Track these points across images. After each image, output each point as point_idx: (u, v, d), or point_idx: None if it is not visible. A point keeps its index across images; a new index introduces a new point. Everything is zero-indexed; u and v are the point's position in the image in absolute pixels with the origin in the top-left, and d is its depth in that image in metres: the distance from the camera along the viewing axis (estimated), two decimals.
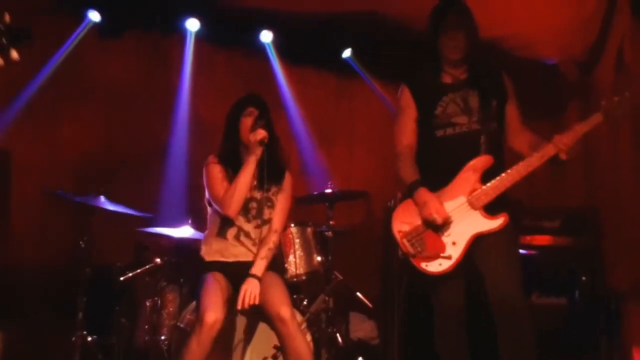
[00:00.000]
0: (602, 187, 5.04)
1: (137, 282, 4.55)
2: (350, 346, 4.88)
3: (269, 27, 5.81)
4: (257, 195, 3.55)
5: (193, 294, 3.76)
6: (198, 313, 3.20)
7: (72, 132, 5.36)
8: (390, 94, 5.80)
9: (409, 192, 3.21)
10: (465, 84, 3.29)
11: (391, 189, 3.90)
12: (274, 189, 3.60)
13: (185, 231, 4.51)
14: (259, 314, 3.38)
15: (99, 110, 5.49)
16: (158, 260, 4.45)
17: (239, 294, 3.31)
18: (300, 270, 4.34)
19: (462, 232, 3.10)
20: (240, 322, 3.52)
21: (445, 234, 3.12)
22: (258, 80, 5.79)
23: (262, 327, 3.51)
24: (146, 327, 4.45)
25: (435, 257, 3.11)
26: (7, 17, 2.23)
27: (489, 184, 3.12)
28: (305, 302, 4.32)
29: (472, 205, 3.11)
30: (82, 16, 5.38)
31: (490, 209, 3.11)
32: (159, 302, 4.40)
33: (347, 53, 6.06)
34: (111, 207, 4.44)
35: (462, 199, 3.13)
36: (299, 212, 4.34)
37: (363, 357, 4.63)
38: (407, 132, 3.33)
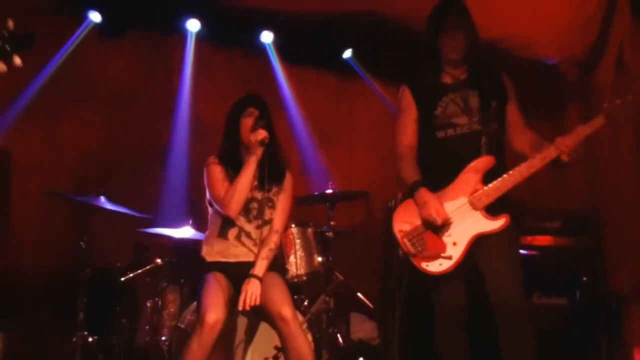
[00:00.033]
0: (604, 189, 5.04)
1: (137, 283, 4.55)
2: (351, 347, 4.88)
3: (269, 28, 5.81)
4: (258, 195, 3.55)
5: (194, 294, 3.76)
6: (199, 313, 3.20)
7: (72, 132, 5.36)
8: (391, 94, 5.81)
9: (409, 192, 3.21)
10: (465, 84, 3.29)
11: (391, 189, 3.90)
12: (274, 189, 3.60)
13: (185, 232, 4.51)
14: (259, 314, 3.38)
15: (100, 111, 5.49)
16: (159, 260, 4.45)
17: (240, 294, 3.31)
18: (301, 271, 4.34)
19: (463, 232, 3.11)
20: (241, 322, 3.51)
21: (446, 234, 3.13)
22: (258, 80, 5.79)
23: (263, 328, 3.51)
24: (147, 327, 4.45)
25: (435, 257, 3.11)
26: (10, 24, 2.25)
27: (490, 185, 3.12)
28: (306, 303, 4.32)
29: (474, 205, 3.11)
30: (83, 17, 5.38)
31: (491, 210, 3.11)
32: (160, 302, 4.40)
33: (347, 53, 6.06)
34: (111, 207, 4.44)
35: (463, 200, 3.13)
36: (299, 213, 4.34)
37: (364, 358, 4.64)
38: (407, 132, 3.33)
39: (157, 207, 5.24)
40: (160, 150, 5.56)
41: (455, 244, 3.11)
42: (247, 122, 3.54)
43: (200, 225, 4.38)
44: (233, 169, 3.52)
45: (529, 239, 4.55)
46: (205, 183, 3.57)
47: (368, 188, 5.11)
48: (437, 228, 3.13)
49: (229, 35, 5.84)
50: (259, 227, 3.51)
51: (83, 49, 5.38)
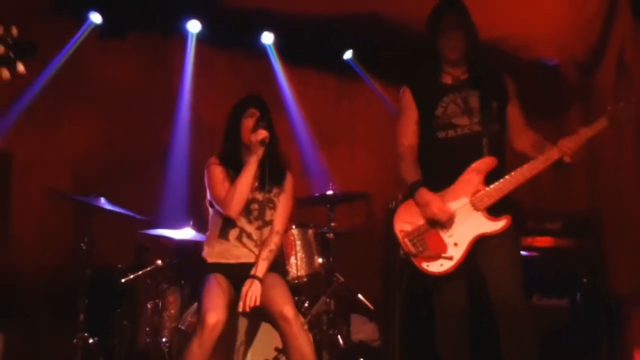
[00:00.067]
0: (605, 190, 5.03)
1: (138, 284, 4.55)
2: (352, 348, 4.88)
3: (269, 29, 5.82)
4: (259, 196, 3.54)
5: (194, 295, 3.76)
6: (200, 315, 3.19)
7: (73, 133, 5.36)
8: (391, 95, 5.81)
9: (410, 193, 3.21)
10: (466, 84, 3.29)
11: (392, 190, 3.90)
12: (275, 190, 3.60)
13: (186, 233, 4.51)
14: (260, 314, 3.37)
15: (100, 112, 5.48)
16: (159, 262, 4.45)
17: (240, 295, 3.31)
18: (302, 272, 4.34)
19: (464, 233, 3.11)
20: (242, 324, 3.51)
21: (447, 234, 3.13)
22: (259, 81, 5.79)
23: (264, 329, 3.51)
24: (147, 329, 4.45)
25: (436, 257, 3.11)
26: (14, 31, 2.27)
27: (492, 186, 3.12)
28: (306, 304, 4.32)
29: (475, 206, 3.12)
30: (83, 18, 5.38)
31: (493, 211, 3.11)
32: (160, 304, 4.40)
33: (348, 54, 6.06)
34: (111, 208, 4.44)
35: (464, 200, 3.13)
36: (300, 214, 4.33)
37: (364, 359, 4.63)
38: (408, 133, 3.33)
39: (157, 208, 5.24)
40: (161, 151, 5.57)
41: (457, 245, 3.11)
42: (248, 122, 3.53)
43: (200, 227, 4.39)
44: (234, 169, 3.52)
45: (529, 240, 4.55)
46: (206, 184, 3.57)
47: (368, 189, 5.11)
48: (440, 226, 3.13)
49: (230, 36, 5.84)
50: (259, 228, 3.51)
51: (84, 50, 5.38)
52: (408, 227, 3.18)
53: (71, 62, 5.30)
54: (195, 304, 3.58)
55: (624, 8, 4.76)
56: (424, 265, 3.13)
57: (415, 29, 3.81)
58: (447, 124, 3.23)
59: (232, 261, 3.48)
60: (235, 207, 3.42)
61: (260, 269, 3.37)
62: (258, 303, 3.28)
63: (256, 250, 3.47)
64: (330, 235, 4.60)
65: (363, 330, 5.22)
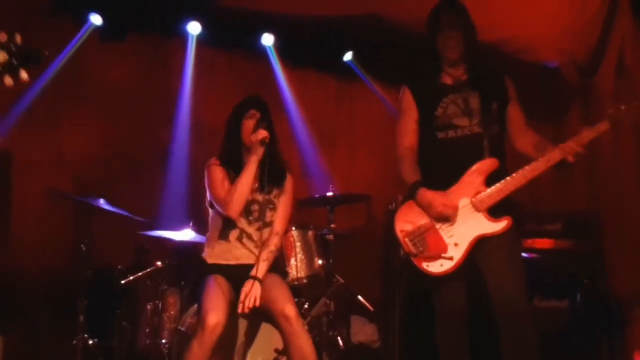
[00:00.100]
0: (605, 190, 5.04)
1: (138, 285, 4.55)
2: (352, 350, 4.88)
3: (270, 30, 5.82)
4: (259, 197, 3.54)
5: (194, 297, 3.76)
6: (200, 316, 3.19)
7: (73, 134, 5.36)
8: (391, 97, 5.81)
9: (410, 193, 3.20)
10: (466, 85, 3.29)
11: (392, 191, 3.89)
12: (275, 192, 3.60)
13: (186, 234, 4.51)
14: (261, 315, 3.37)
15: (101, 113, 5.49)
16: (159, 263, 4.45)
17: (240, 297, 3.31)
18: (302, 274, 4.33)
19: (465, 233, 3.10)
20: (242, 325, 3.51)
21: (448, 235, 3.12)
22: (259, 83, 5.79)
23: (264, 331, 3.50)
24: (147, 330, 4.45)
25: (437, 257, 3.11)
26: (18, 39, 2.28)
27: (493, 187, 3.11)
28: (306, 306, 4.32)
29: (476, 207, 3.11)
30: (84, 20, 5.38)
31: (494, 212, 3.11)
32: (160, 305, 4.40)
33: (348, 56, 6.06)
34: (112, 209, 4.44)
35: (466, 201, 3.13)
36: (300, 216, 4.34)
37: None
38: (408, 133, 3.33)
39: (157, 210, 5.24)
40: (161, 153, 5.57)
41: (457, 245, 3.11)
42: (249, 124, 3.53)
43: (200, 228, 4.38)
44: (234, 170, 3.52)
45: (529, 242, 4.55)
46: (207, 184, 3.57)
47: (369, 191, 5.11)
48: (446, 222, 3.12)
49: (230, 38, 5.85)
50: (260, 230, 3.50)
51: (84, 52, 5.39)
52: (409, 227, 3.17)
53: (71, 63, 5.31)
54: (196, 306, 3.58)
55: (625, 9, 4.77)
56: (425, 265, 3.12)
57: (415, 30, 3.82)
58: (447, 124, 3.23)
59: (232, 262, 3.48)
60: (235, 208, 3.42)
61: (261, 270, 3.37)
62: (258, 304, 3.28)
63: (256, 252, 3.46)
64: (331, 237, 4.60)
65: (363, 331, 5.22)
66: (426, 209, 3.14)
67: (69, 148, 5.35)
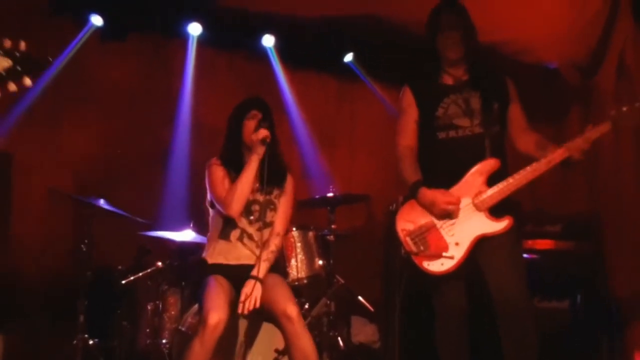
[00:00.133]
0: (605, 191, 5.03)
1: (138, 286, 4.56)
2: (352, 350, 4.88)
3: (270, 31, 5.82)
4: (260, 197, 3.55)
5: (194, 297, 3.76)
6: (201, 315, 3.19)
7: (73, 134, 5.36)
8: (392, 97, 5.81)
9: (411, 193, 3.21)
10: (467, 85, 3.29)
11: (392, 192, 3.89)
12: (276, 192, 3.60)
13: (186, 235, 4.51)
14: (261, 314, 3.37)
15: (101, 114, 5.49)
16: (159, 263, 4.45)
17: (240, 297, 3.31)
18: (302, 274, 4.34)
19: (466, 233, 3.11)
20: (242, 325, 3.51)
21: (449, 234, 3.13)
22: (260, 83, 5.80)
23: (264, 331, 3.51)
24: (147, 330, 4.45)
25: (437, 256, 3.11)
26: (22, 45, 2.28)
27: (494, 187, 3.12)
28: (306, 306, 4.33)
29: (477, 207, 3.12)
30: (84, 20, 5.38)
31: (495, 212, 3.12)
32: (161, 305, 4.40)
33: (348, 57, 6.06)
34: (112, 210, 4.45)
35: (467, 201, 3.14)
36: (300, 216, 4.34)
37: None
38: (407, 133, 3.33)
39: (158, 210, 5.24)
40: (162, 153, 5.57)
41: (458, 244, 3.11)
42: (250, 124, 3.54)
43: (201, 229, 4.39)
44: (235, 170, 3.52)
45: (530, 243, 4.54)
46: (207, 184, 3.57)
47: (369, 191, 5.11)
48: (446, 218, 3.12)
49: (231, 39, 5.85)
50: (260, 230, 3.51)
51: (85, 52, 5.38)
52: (410, 226, 3.18)
53: (72, 64, 5.30)
54: (196, 306, 3.58)
55: (625, 10, 4.77)
56: (425, 264, 3.13)
57: (415, 31, 3.82)
58: (447, 124, 3.23)
59: (232, 262, 3.48)
60: (236, 207, 3.42)
61: (261, 270, 3.37)
62: (258, 305, 3.28)
63: (257, 252, 3.46)
64: (331, 237, 4.61)
65: (363, 332, 5.21)
66: (429, 207, 3.14)
67: (69, 148, 5.34)
